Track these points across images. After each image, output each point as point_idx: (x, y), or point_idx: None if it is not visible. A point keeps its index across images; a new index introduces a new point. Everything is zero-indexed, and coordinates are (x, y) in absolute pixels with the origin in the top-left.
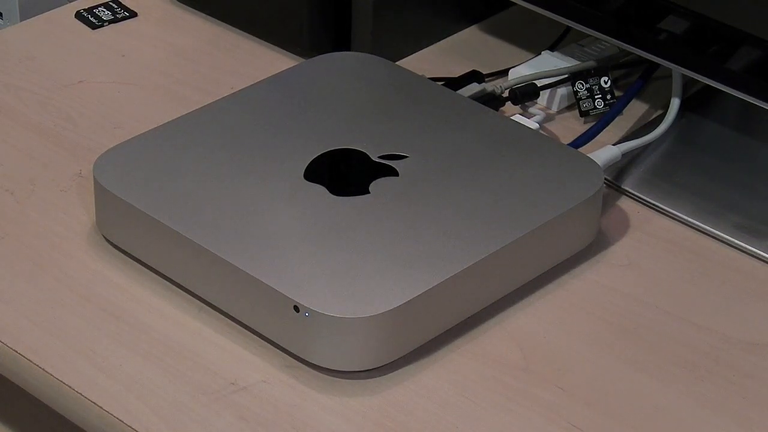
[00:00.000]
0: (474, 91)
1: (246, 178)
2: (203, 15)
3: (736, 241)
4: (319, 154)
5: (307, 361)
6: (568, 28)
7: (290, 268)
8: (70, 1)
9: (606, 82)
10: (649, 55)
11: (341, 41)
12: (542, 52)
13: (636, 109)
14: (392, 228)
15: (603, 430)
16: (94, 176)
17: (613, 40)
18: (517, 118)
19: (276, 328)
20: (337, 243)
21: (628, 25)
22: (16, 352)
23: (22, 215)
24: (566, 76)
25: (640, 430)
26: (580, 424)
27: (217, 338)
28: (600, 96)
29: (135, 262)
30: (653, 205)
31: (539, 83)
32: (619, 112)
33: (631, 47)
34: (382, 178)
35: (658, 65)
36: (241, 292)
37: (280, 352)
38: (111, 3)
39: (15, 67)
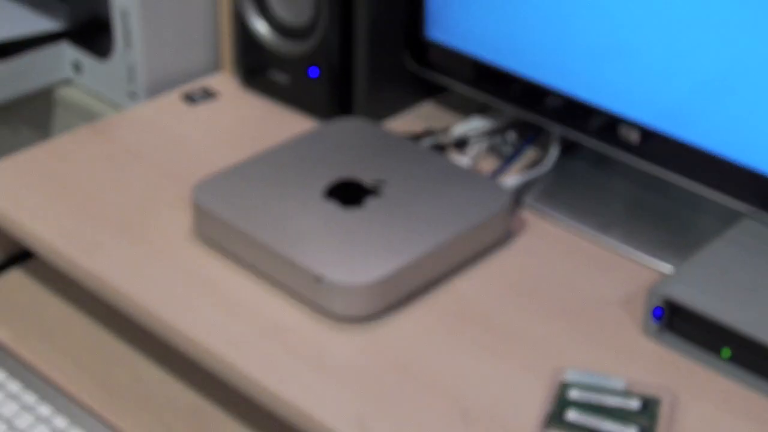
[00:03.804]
0: (429, 142)
1: (281, 193)
2: (261, 95)
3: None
4: (333, 180)
5: (326, 311)
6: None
7: (315, 252)
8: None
9: (513, 134)
10: (539, 117)
11: (345, 106)
12: (472, 115)
13: (531, 152)
14: (378, 226)
15: (494, 347)
16: (194, 196)
17: (517, 108)
18: (457, 158)
19: (308, 290)
20: (345, 235)
21: (528, 101)
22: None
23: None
24: (489, 131)
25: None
26: (481, 342)
27: (273, 298)
28: (510, 144)
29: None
30: (546, 214)
31: (472, 135)
32: (520, 153)
33: (528, 113)
34: (371, 196)
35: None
36: (286, 269)
37: (308, 307)
38: (203, 89)
39: (142, 133)
